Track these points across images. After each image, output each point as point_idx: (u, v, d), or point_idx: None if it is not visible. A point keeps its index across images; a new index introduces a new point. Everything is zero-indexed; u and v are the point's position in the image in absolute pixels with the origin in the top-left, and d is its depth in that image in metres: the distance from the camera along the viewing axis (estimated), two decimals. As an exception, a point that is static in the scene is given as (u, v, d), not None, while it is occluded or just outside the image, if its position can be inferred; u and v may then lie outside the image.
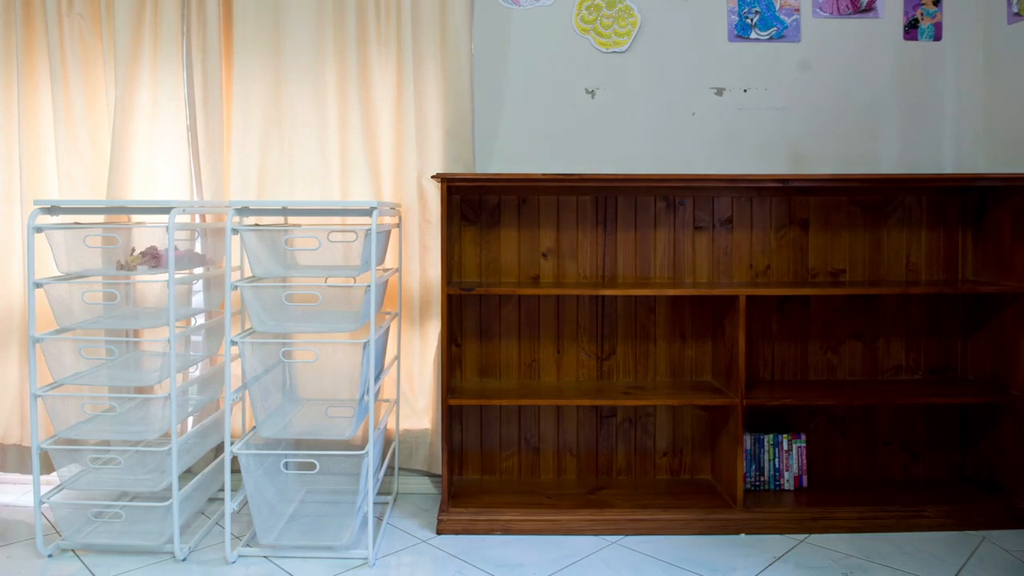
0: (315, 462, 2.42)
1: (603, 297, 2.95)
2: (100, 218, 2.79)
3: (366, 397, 2.42)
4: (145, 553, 2.48)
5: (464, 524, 2.65)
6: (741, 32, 2.96)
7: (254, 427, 2.52)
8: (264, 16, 2.90)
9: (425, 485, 3.04)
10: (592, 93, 2.97)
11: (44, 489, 2.51)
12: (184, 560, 2.44)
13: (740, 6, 2.96)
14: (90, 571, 2.37)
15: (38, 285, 2.40)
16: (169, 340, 2.37)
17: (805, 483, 2.85)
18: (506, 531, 2.65)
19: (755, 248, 2.96)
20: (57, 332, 2.45)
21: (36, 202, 2.42)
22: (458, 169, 2.88)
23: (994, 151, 2.92)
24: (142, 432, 2.43)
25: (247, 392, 2.46)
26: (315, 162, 2.89)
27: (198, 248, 2.72)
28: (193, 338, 2.67)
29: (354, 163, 2.91)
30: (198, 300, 2.76)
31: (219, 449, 2.89)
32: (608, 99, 2.97)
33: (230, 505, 2.43)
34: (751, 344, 2.96)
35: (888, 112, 2.97)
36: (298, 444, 2.74)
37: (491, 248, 2.95)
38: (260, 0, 2.90)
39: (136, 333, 2.78)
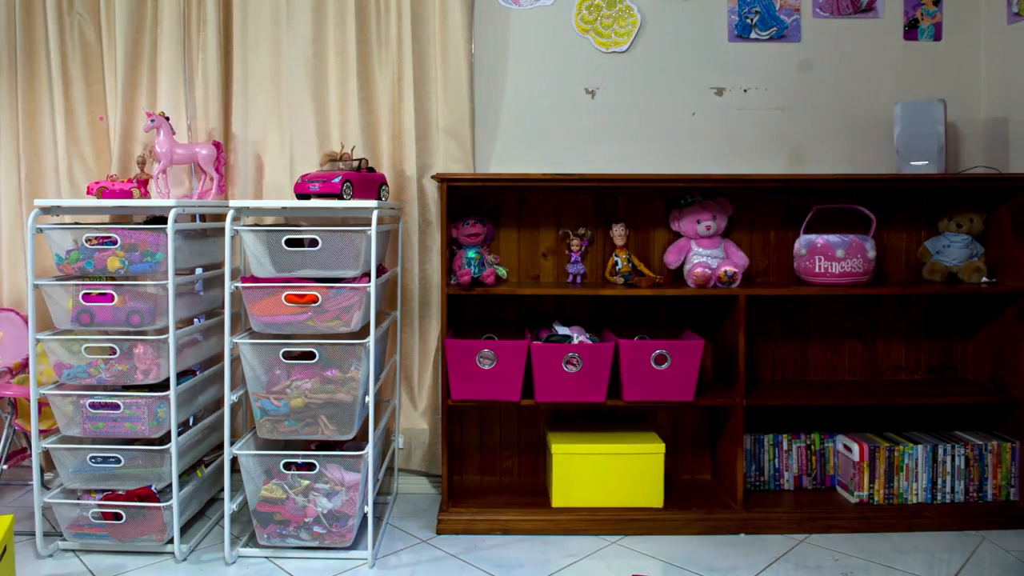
0: (315, 462, 2.41)
1: (603, 297, 2.95)
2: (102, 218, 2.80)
3: (366, 397, 2.42)
4: (145, 553, 2.48)
5: (464, 524, 2.65)
6: (741, 32, 2.96)
7: (253, 428, 2.52)
8: (264, 16, 2.90)
9: (425, 485, 3.05)
10: (592, 93, 2.97)
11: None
12: (184, 560, 2.44)
13: (740, 6, 2.96)
14: (90, 571, 2.37)
15: (37, 286, 2.41)
16: (169, 340, 2.38)
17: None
18: (506, 531, 2.65)
19: (755, 248, 2.96)
20: (55, 332, 2.45)
21: (37, 202, 2.42)
22: (458, 169, 2.88)
23: (994, 151, 2.92)
24: (142, 431, 2.43)
25: (247, 392, 2.46)
26: (315, 161, 2.89)
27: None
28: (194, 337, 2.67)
29: (354, 163, 2.91)
30: (198, 300, 2.75)
31: (219, 449, 2.89)
32: (608, 99, 2.97)
33: (229, 505, 2.43)
34: (751, 344, 2.96)
35: (888, 112, 2.97)
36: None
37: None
38: (260, 0, 2.90)
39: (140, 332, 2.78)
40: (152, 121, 2.63)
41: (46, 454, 2.47)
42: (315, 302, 2.39)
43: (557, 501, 2.70)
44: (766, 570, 2.39)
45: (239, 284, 2.42)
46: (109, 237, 2.41)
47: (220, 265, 2.83)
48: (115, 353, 2.42)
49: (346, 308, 2.40)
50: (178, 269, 2.42)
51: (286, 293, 2.39)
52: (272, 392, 2.43)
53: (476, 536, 2.63)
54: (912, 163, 2.75)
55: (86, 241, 2.42)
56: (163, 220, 2.63)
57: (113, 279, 2.48)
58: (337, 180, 2.48)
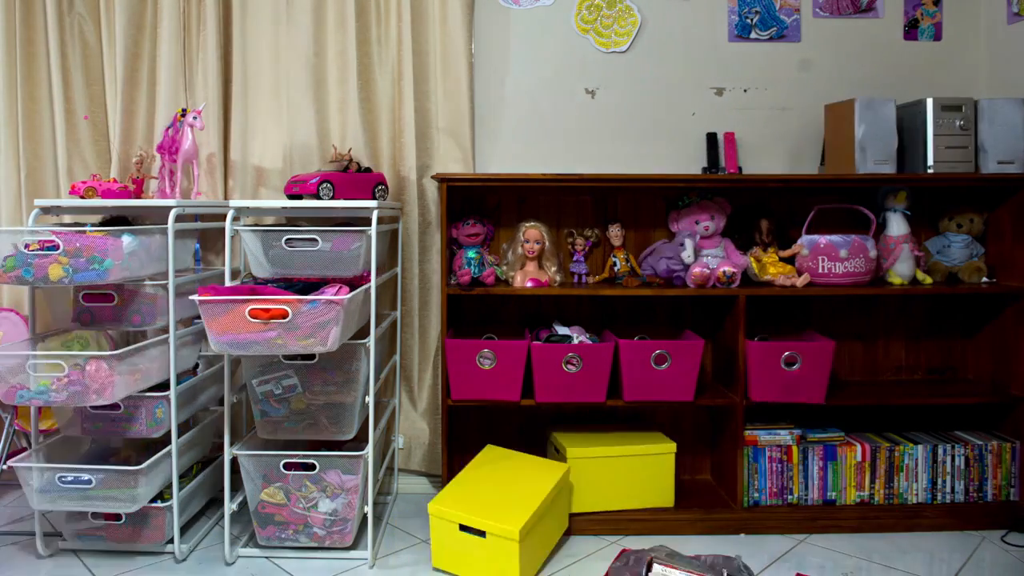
0: (315, 463, 2.41)
1: (603, 297, 2.95)
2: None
3: (366, 398, 2.42)
4: (145, 553, 2.48)
5: (464, 524, 2.65)
6: (741, 32, 2.96)
7: (253, 428, 2.52)
8: (264, 16, 2.90)
9: (425, 485, 3.04)
10: (592, 93, 2.97)
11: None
12: (184, 560, 2.44)
13: (740, 6, 2.96)
14: (90, 571, 2.37)
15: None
16: (169, 340, 2.38)
17: None
18: (506, 531, 2.64)
19: (755, 248, 2.96)
20: (55, 332, 2.45)
21: (37, 202, 2.42)
22: (458, 169, 2.88)
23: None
24: (140, 431, 2.43)
25: (247, 393, 2.46)
26: (315, 162, 2.89)
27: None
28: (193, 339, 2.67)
29: (354, 163, 2.91)
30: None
31: (219, 449, 2.88)
32: (608, 99, 2.97)
33: (230, 505, 2.43)
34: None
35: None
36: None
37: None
38: (259, 0, 2.90)
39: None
40: (195, 118, 2.63)
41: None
42: (284, 317, 2.09)
43: (576, 506, 2.66)
44: (766, 570, 2.39)
45: (194, 297, 2.14)
46: (51, 242, 2.13)
47: (188, 270, 2.78)
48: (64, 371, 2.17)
49: (321, 324, 2.11)
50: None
51: (250, 307, 2.07)
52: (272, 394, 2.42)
53: (476, 536, 2.63)
54: None
55: (24, 247, 2.13)
56: (122, 221, 2.60)
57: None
58: (314, 181, 2.50)
